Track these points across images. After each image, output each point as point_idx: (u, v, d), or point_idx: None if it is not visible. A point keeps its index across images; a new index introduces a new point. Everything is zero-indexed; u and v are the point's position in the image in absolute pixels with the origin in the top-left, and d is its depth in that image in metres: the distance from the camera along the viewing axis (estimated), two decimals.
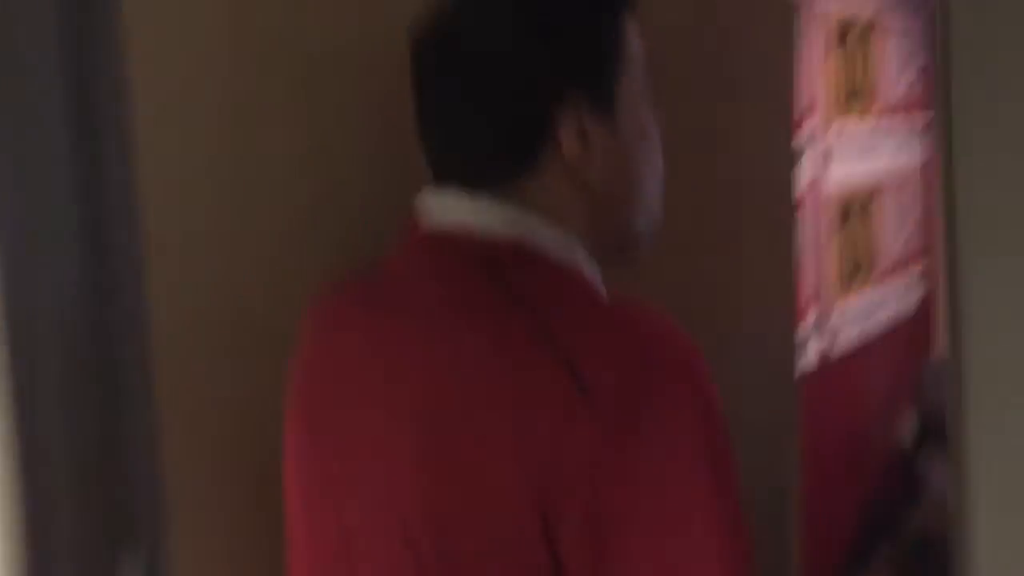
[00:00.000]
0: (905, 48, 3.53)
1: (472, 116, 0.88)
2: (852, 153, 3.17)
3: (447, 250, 0.88)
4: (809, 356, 1.78)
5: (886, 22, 3.44)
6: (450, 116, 0.90)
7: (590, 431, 0.79)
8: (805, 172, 2.89)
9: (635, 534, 0.78)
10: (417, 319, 0.88)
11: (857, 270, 2.46)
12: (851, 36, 3.12)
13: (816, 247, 2.75)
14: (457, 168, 0.90)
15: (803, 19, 2.77)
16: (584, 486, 0.78)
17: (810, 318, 1.94)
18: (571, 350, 0.80)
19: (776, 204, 1.76)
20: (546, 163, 0.86)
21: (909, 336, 2.25)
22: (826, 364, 1.79)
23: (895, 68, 3.47)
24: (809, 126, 2.88)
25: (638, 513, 0.78)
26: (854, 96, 3.15)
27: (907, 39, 3.59)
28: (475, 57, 0.86)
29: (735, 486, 0.82)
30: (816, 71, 2.88)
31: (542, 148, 0.85)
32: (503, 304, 0.84)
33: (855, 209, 3.14)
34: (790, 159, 1.77)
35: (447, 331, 0.86)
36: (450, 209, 0.88)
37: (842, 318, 2.19)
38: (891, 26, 3.49)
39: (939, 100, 3.81)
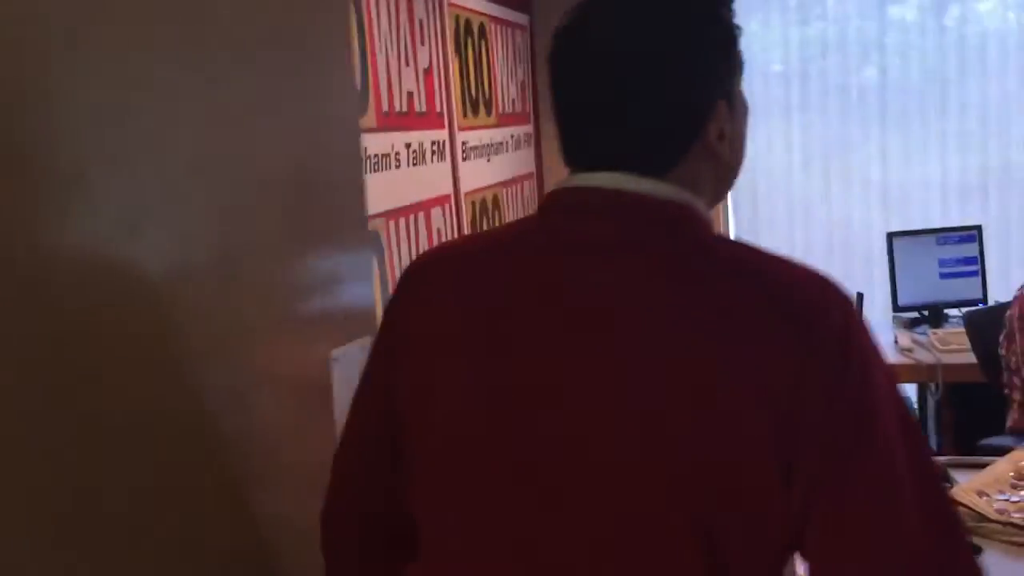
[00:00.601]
0: (509, 58, 3.66)
1: (646, 115, 1.02)
2: (480, 157, 3.23)
3: (618, 204, 1.02)
4: None
5: (496, 27, 3.53)
6: (618, 114, 1.03)
7: (822, 377, 0.92)
8: (445, 175, 2.88)
9: (861, 460, 0.92)
10: (632, 258, 1.00)
11: None
12: (469, 43, 3.17)
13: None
14: (618, 156, 1.03)
15: (435, 17, 2.75)
16: (819, 429, 0.92)
17: None
18: (788, 302, 0.96)
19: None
20: (693, 151, 1.04)
21: None
22: None
23: (505, 78, 3.59)
24: (444, 131, 2.87)
25: (860, 447, 0.92)
26: (476, 104, 3.20)
27: (511, 47, 3.72)
28: (652, 67, 1.02)
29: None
30: (445, 77, 2.88)
31: (695, 141, 1.03)
32: (704, 257, 1.01)
33: (487, 210, 3.20)
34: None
35: (681, 272, 0.99)
36: (616, 180, 1.02)
37: None
38: (499, 32, 3.58)
39: (535, 112, 3.90)
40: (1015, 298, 2.80)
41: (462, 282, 1.08)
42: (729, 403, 0.93)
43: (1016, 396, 2.79)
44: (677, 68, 1.02)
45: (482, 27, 3.34)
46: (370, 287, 1.93)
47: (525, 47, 3.93)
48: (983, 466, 2.20)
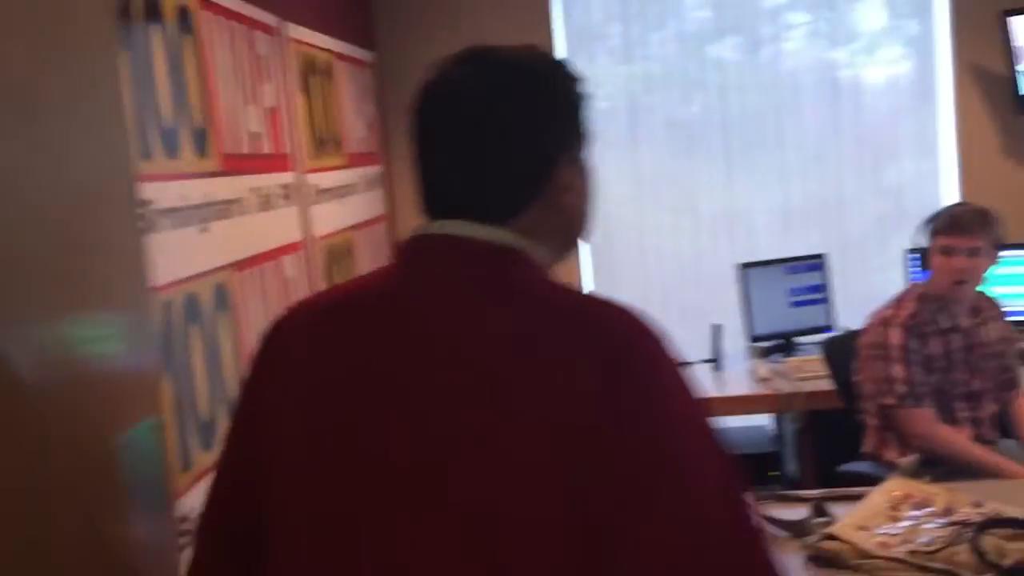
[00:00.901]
0: (356, 97, 3.53)
1: (494, 168, 1.11)
2: (331, 200, 3.08)
3: (458, 249, 1.10)
4: None
5: (341, 64, 3.40)
6: (469, 167, 1.11)
7: (618, 391, 1.00)
8: (295, 220, 2.71)
9: (665, 476, 0.99)
10: (453, 301, 1.08)
11: None
12: (314, 80, 3.02)
13: (307, 287, 2.58)
14: (467, 206, 1.11)
15: (279, 51, 2.58)
16: (617, 440, 0.98)
17: None
18: (598, 338, 1.03)
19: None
20: (540, 202, 1.12)
21: None
22: None
23: (352, 116, 3.46)
24: (292, 174, 2.71)
25: (664, 459, 1.00)
26: (325, 145, 3.05)
27: (357, 85, 3.59)
28: (501, 124, 1.10)
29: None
30: (293, 116, 2.72)
31: (541, 193, 1.12)
32: (529, 297, 1.09)
33: (340, 256, 3.04)
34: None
35: (506, 311, 1.06)
36: (462, 228, 1.10)
37: None
38: (345, 69, 3.45)
39: (385, 152, 3.77)
40: (867, 326, 2.86)
41: (315, 342, 1.14)
42: (535, 432, 1.00)
43: (871, 421, 2.85)
44: (524, 125, 1.11)
45: (328, 64, 3.20)
46: (152, 358, 1.74)
47: (372, 85, 3.81)
48: (858, 497, 2.21)
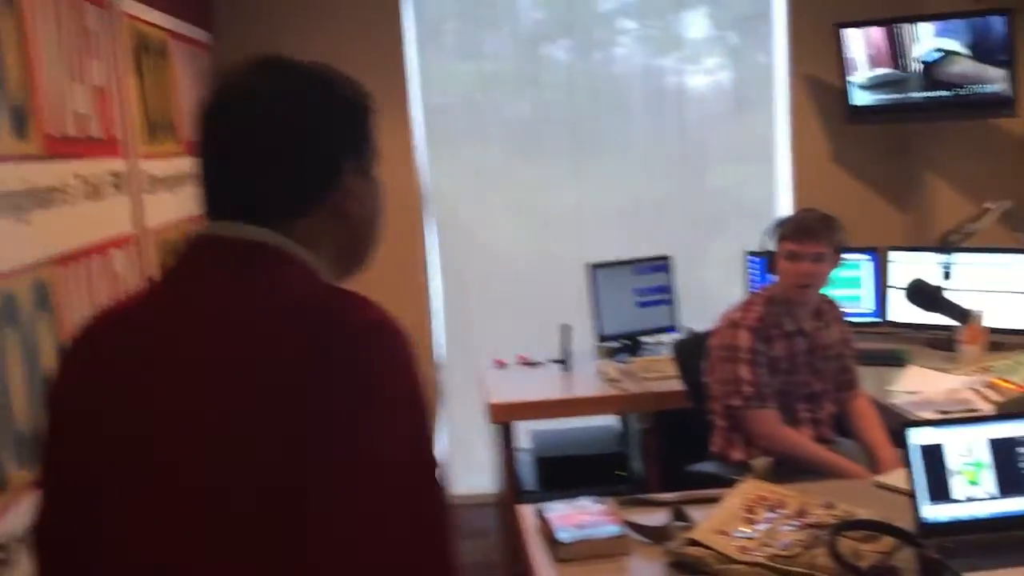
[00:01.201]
0: (194, 79, 3.31)
1: (274, 169, 1.12)
2: (165, 190, 2.86)
3: (218, 249, 1.11)
4: None
5: (177, 44, 3.17)
6: (248, 166, 1.12)
7: (329, 388, 1.01)
8: (126, 210, 2.51)
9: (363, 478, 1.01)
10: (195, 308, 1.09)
11: None
12: (148, 60, 2.79)
13: (138, 283, 2.39)
14: (244, 208, 1.12)
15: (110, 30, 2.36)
16: (324, 434, 1.00)
17: None
18: (320, 325, 1.05)
19: None
20: (321, 208, 1.14)
21: None
22: None
23: (189, 101, 3.24)
24: (124, 160, 2.49)
25: (363, 457, 1.01)
26: (158, 129, 2.83)
27: (194, 68, 3.37)
28: (284, 126, 1.13)
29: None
30: (125, 97, 2.50)
31: (322, 198, 1.14)
32: (271, 296, 1.08)
33: (174, 248, 2.83)
34: None
35: (250, 310, 1.07)
36: (229, 228, 1.11)
37: None
38: (181, 50, 3.23)
39: None
40: (716, 327, 2.90)
41: (95, 351, 1.15)
42: (256, 427, 1.01)
43: (718, 422, 2.90)
44: (308, 128, 1.13)
45: (163, 43, 2.97)
46: None
47: (207, 67, 3.58)
48: (714, 500, 2.21)
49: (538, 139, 4.25)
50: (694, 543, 1.94)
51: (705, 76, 4.34)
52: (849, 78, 3.99)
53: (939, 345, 3.61)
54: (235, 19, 3.84)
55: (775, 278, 2.88)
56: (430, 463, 1.06)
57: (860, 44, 3.94)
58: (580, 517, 2.09)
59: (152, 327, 1.11)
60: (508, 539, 3.45)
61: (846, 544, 1.86)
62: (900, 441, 2.00)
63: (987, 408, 2.86)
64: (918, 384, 3.14)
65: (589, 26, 4.24)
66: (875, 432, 2.86)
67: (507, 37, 4.19)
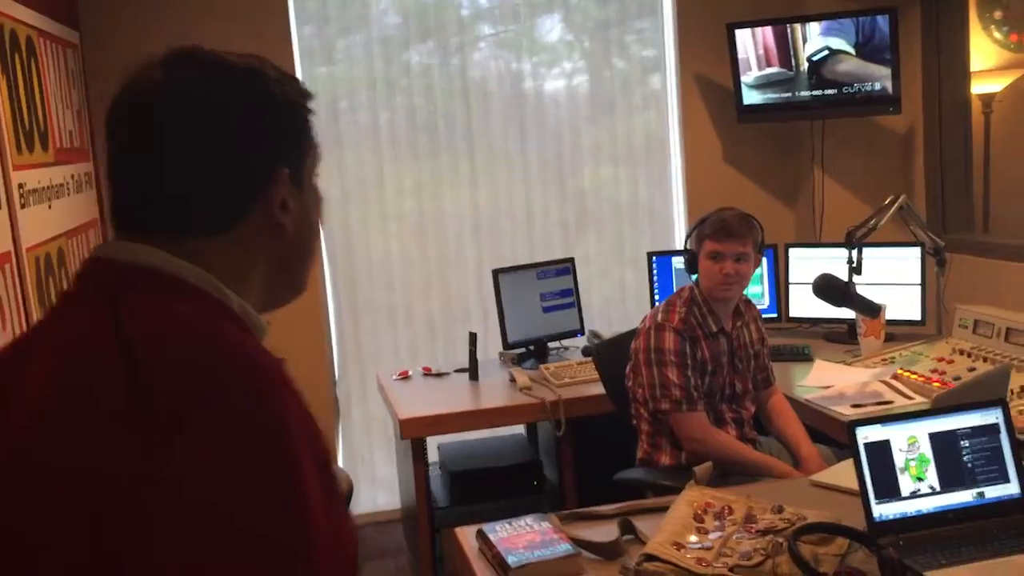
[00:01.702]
0: (64, 82, 3.04)
1: (187, 178, 0.99)
2: (41, 203, 2.59)
3: (99, 275, 1.00)
4: None
5: (46, 43, 2.89)
6: (157, 176, 1.00)
7: (137, 442, 0.84)
8: (1, 226, 2.26)
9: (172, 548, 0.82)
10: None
11: None
12: (15, 60, 2.52)
13: (19, 306, 2.16)
14: (152, 222, 1.00)
15: None
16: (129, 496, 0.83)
17: None
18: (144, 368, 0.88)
19: None
20: (250, 221, 1.02)
21: None
22: None
23: (60, 105, 2.97)
24: None
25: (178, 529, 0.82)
26: (30, 137, 2.57)
27: (64, 69, 3.10)
28: (200, 130, 1.00)
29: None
30: None
31: (249, 209, 1.02)
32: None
33: (52, 268, 2.58)
34: None
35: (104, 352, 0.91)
36: (122, 250, 1.00)
37: None
38: (50, 49, 2.95)
39: (93, 147, 3.27)
40: (640, 330, 2.85)
41: None
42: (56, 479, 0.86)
43: (644, 427, 2.84)
44: (229, 132, 1.01)
45: (30, 41, 2.70)
46: None
47: (78, 69, 3.30)
48: (658, 509, 2.15)
49: (402, 144, 4.14)
50: (651, 558, 1.86)
51: (566, 80, 4.31)
52: (743, 79, 4.03)
53: (835, 338, 3.69)
54: (101, 16, 3.57)
55: (693, 278, 2.85)
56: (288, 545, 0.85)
57: (750, 44, 3.99)
58: (527, 537, 1.99)
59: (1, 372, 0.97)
60: (420, 559, 3.31)
61: (805, 549, 1.82)
62: (851, 439, 1.97)
63: (900, 401, 2.91)
64: (826, 378, 3.17)
65: (447, 31, 4.15)
66: (794, 428, 2.87)
67: (364, 42, 4.04)
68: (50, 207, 2.68)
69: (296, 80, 1.08)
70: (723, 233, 2.71)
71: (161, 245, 0.98)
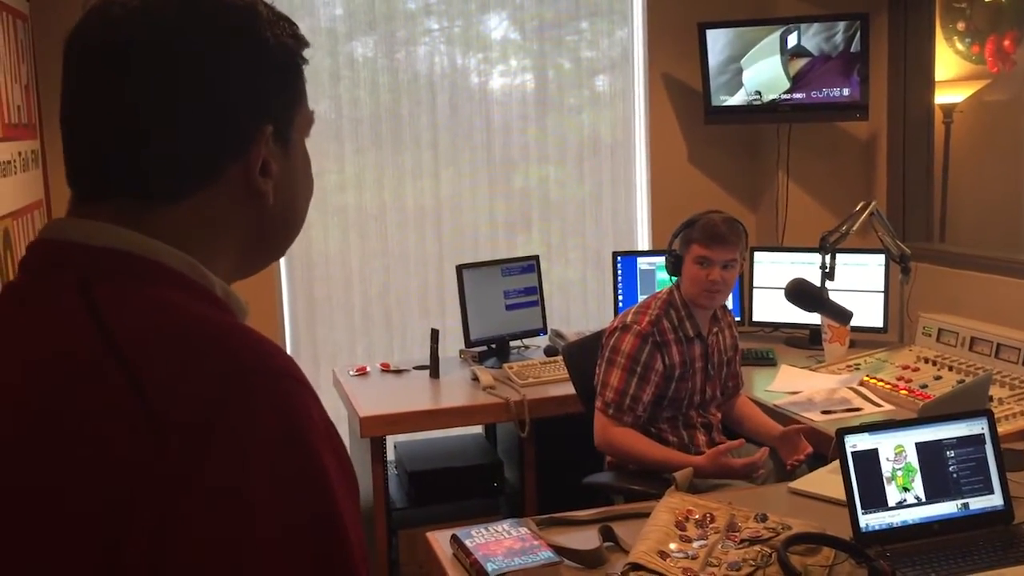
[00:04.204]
0: (14, 55, 2.88)
1: (147, 133, 0.85)
2: None
3: (55, 263, 0.87)
4: None
5: None
6: (114, 129, 0.86)
7: (157, 460, 0.73)
8: None
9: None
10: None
11: None
12: None
13: None
14: (109, 186, 0.87)
15: None
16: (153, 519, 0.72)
17: None
18: (142, 369, 0.77)
19: None
20: (225, 182, 0.89)
21: None
22: None
23: (8, 79, 2.81)
24: None
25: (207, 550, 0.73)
26: None
27: (12, 41, 2.94)
28: (166, 75, 0.85)
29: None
30: None
31: (225, 167, 0.88)
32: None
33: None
34: None
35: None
36: (74, 229, 0.87)
37: None
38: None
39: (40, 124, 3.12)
40: (608, 329, 2.79)
41: None
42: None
43: None
44: (200, 79, 0.87)
45: None
46: None
47: (27, 42, 3.13)
48: (636, 515, 2.09)
49: (344, 136, 4.02)
50: (636, 567, 1.80)
51: (520, 75, 4.22)
52: (713, 80, 4.00)
53: (797, 343, 3.68)
54: None
55: (676, 281, 2.80)
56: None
57: (721, 44, 3.96)
58: (506, 544, 1.91)
59: None
60: (378, 560, 3.21)
61: (792, 560, 1.78)
62: (840, 447, 1.93)
63: (868, 408, 2.90)
64: (793, 384, 3.15)
65: (392, 25, 4.04)
66: (763, 417, 2.87)
67: (307, 32, 3.89)
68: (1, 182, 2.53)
69: (290, 23, 0.95)
70: (714, 239, 2.65)
71: (125, 217, 0.86)
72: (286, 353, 0.83)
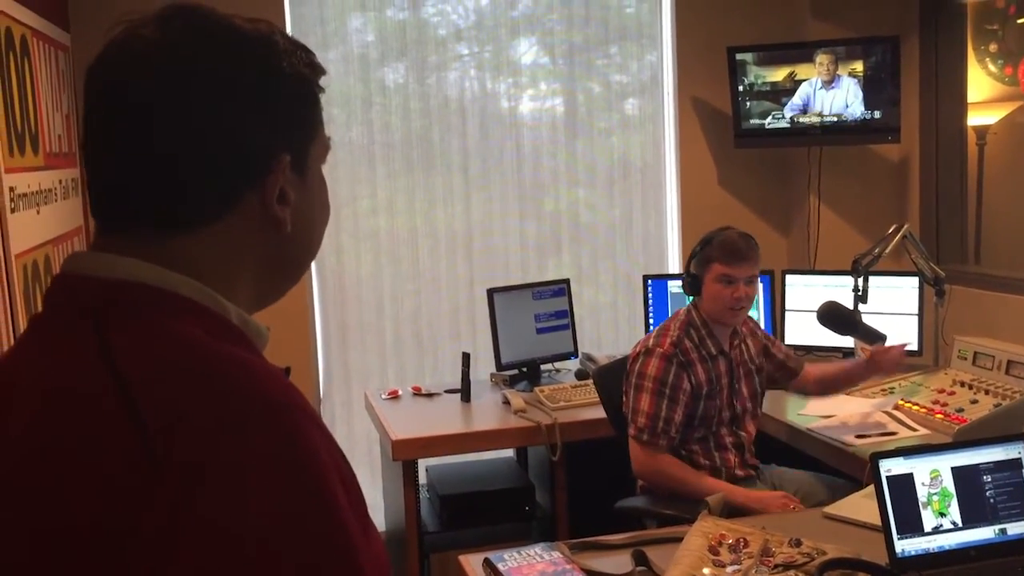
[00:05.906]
0: (55, 85, 2.94)
1: (165, 162, 0.86)
2: (30, 208, 2.50)
3: (71, 296, 0.88)
4: None
5: (39, 44, 2.80)
6: (131, 159, 0.87)
7: (155, 492, 0.74)
8: None
9: None
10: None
11: None
12: (10, 60, 2.43)
13: (6, 315, 2.07)
14: (128, 216, 0.88)
15: None
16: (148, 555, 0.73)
17: None
18: (145, 405, 0.78)
19: None
20: (241, 211, 0.90)
21: None
22: None
23: (50, 108, 2.87)
24: None
25: None
26: (21, 140, 2.47)
27: (55, 71, 3.01)
28: (184, 104, 0.86)
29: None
30: None
31: (243, 200, 0.89)
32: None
33: (39, 276, 2.48)
34: None
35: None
36: (92, 262, 0.88)
37: None
38: (43, 50, 2.86)
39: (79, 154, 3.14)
40: (633, 354, 2.79)
41: None
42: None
43: None
44: (220, 108, 0.88)
45: (24, 41, 2.61)
46: None
47: (68, 72, 3.21)
48: (669, 540, 2.09)
49: (380, 161, 4.04)
50: None
51: (550, 99, 4.24)
52: (744, 104, 4.00)
53: None
54: (92, 16, 3.47)
55: (688, 300, 2.80)
56: None
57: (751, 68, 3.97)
58: (538, 568, 1.91)
59: None
60: None
61: None
62: (875, 472, 1.92)
63: (903, 432, 2.87)
64: (826, 408, 3.13)
65: (424, 51, 4.07)
66: (839, 364, 3.06)
67: (340, 59, 3.93)
68: (39, 213, 2.59)
69: (307, 51, 0.96)
70: (735, 257, 2.66)
71: (141, 247, 0.87)
72: (293, 386, 0.84)
